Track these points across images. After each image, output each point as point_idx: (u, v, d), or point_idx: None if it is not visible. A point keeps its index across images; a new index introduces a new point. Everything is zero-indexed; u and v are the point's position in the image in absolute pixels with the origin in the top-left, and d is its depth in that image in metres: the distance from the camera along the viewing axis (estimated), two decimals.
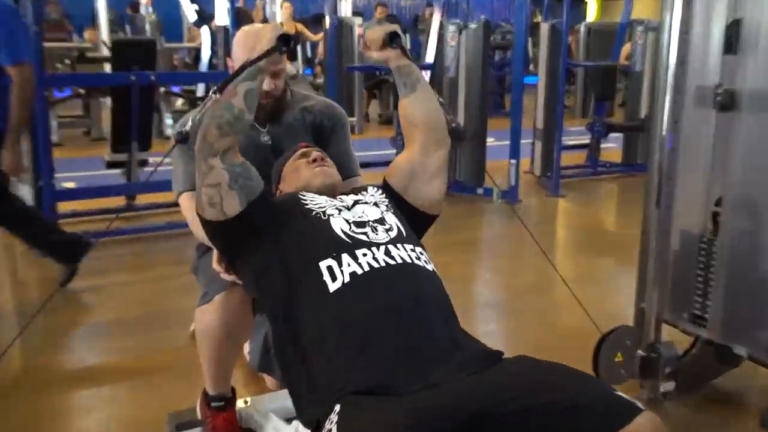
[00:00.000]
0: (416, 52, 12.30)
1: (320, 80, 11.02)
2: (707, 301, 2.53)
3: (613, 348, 2.66)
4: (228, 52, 6.87)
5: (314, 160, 1.96)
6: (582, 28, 9.77)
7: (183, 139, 1.97)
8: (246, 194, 1.73)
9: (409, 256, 1.69)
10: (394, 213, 1.83)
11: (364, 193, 1.88)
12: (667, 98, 2.44)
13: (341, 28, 8.58)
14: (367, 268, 1.62)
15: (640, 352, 2.59)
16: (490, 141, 6.29)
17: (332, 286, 1.60)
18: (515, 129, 5.89)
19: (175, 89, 9.03)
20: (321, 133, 2.30)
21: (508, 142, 5.94)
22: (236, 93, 1.72)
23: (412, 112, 1.91)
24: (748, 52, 2.37)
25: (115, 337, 3.31)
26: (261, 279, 1.74)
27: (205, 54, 9.29)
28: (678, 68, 2.42)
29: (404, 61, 1.90)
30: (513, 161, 5.84)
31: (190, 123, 1.89)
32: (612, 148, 7.72)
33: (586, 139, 7.29)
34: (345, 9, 10.20)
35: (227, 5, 6.69)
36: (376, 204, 1.83)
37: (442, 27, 6.21)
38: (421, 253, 1.75)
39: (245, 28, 2.20)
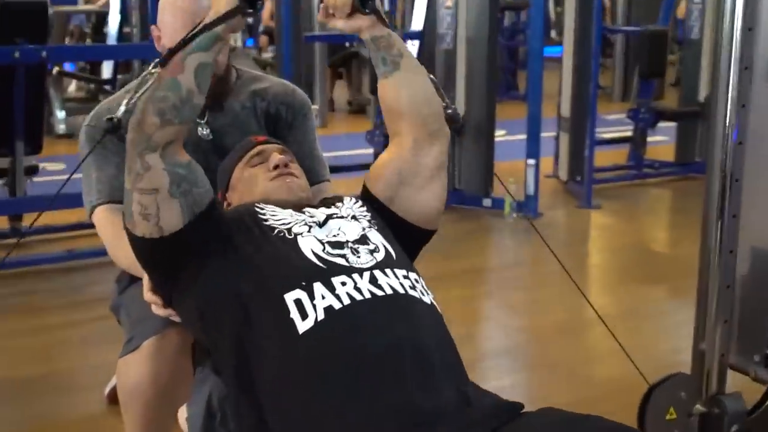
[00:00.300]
0: (393, 15, 12.38)
1: (267, 55, 11.09)
2: None
3: (665, 402, 2.74)
4: (147, 18, 6.82)
5: (276, 167, 2.00)
6: None
7: (113, 128, 1.98)
8: (190, 205, 1.79)
9: (401, 284, 1.76)
10: (379, 230, 1.89)
11: (339, 204, 1.95)
12: (732, 74, 2.51)
13: None
14: (347, 302, 1.69)
15: (699, 406, 2.65)
16: (499, 135, 6.33)
17: (302, 326, 1.67)
18: (533, 118, 5.94)
19: (68, 67, 8.97)
20: (277, 125, 2.39)
21: (523, 137, 6.01)
22: (184, 67, 1.74)
23: (396, 97, 1.96)
24: None
25: (1, 405, 3.33)
26: (207, 315, 1.80)
27: (114, 20, 9.29)
28: (745, 34, 2.50)
29: (381, 29, 1.93)
30: (531, 162, 5.89)
31: (123, 107, 1.90)
32: (662, 141, 7.78)
33: (627, 131, 7.36)
34: None
35: None
36: (354, 218, 1.90)
37: None
38: (416, 281, 1.82)
39: None
